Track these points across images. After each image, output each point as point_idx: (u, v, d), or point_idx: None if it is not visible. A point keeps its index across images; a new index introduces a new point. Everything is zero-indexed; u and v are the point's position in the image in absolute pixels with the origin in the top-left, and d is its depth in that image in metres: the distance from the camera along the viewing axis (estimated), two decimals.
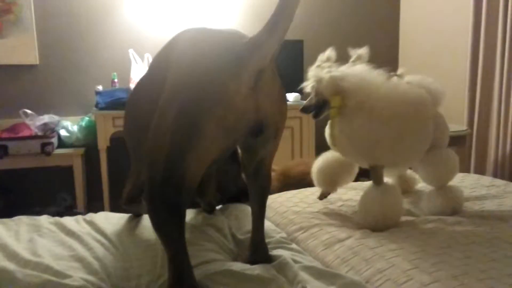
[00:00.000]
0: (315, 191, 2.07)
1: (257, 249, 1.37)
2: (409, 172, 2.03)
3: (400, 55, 4.22)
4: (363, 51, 1.67)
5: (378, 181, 1.59)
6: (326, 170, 1.79)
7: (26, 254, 1.31)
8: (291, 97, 3.52)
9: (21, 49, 3.22)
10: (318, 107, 1.61)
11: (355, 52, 1.67)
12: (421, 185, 2.03)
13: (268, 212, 1.87)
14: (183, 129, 1.04)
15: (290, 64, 3.73)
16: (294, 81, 3.69)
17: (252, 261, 1.34)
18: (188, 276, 1.11)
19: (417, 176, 1.97)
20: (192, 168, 1.06)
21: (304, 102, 1.68)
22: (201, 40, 1.14)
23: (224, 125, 1.06)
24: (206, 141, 1.05)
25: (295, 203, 1.89)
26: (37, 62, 3.28)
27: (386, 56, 4.21)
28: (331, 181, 1.80)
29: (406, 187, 2.01)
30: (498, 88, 3.14)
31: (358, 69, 1.59)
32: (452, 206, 1.71)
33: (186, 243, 1.11)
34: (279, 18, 1.12)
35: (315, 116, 1.63)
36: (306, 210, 1.79)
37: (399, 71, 1.75)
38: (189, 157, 1.05)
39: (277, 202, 1.93)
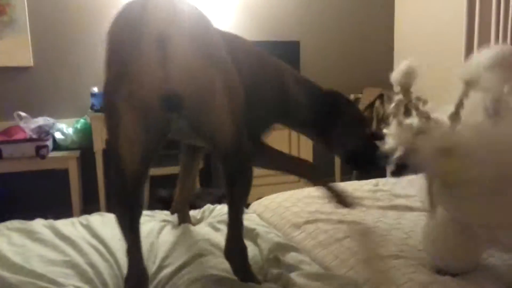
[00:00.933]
0: (312, 191, 2.05)
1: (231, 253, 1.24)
2: None
3: (395, 56, 4.21)
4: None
5: None
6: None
7: (18, 260, 1.29)
8: None
9: (15, 50, 3.19)
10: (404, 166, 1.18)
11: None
12: None
13: (266, 213, 1.85)
14: (108, 113, 1.05)
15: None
16: None
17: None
18: (138, 269, 1.13)
19: None
20: (127, 156, 1.04)
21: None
22: (121, 13, 1.10)
23: (134, 103, 1.01)
24: (125, 123, 1.02)
25: (293, 203, 1.88)
26: (31, 64, 3.26)
27: (382, 57, 4.20)
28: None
29: None
30: None
31: (470, 133, 1.14)
32: None
33: (139, 238, 1.13)
34: None
35: (397, 174, 1.20)
36: (304, 210, 1.78)
37: None
38: (121, 144, 1.03)
39: (275, 202, 1.92)
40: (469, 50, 3.26)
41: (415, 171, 1.19)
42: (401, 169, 1.18)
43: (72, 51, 3.36)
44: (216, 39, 1.13)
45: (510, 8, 2.97)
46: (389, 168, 1.20)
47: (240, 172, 1.19)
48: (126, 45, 1.01)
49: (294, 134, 3.43)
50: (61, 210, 2.77)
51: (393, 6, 4.24)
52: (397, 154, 1.16)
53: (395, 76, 1.20)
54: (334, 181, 3.73)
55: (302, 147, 3.48)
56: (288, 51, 3.73)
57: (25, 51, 3.22)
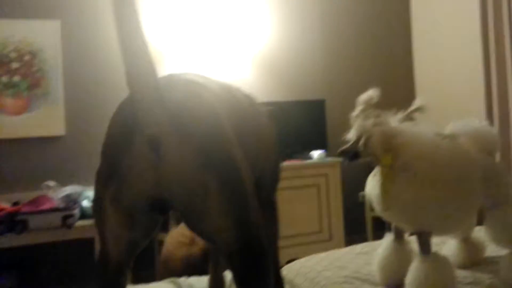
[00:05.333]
0: (348, 251, 1.95)
1: None
2: (476, 235, 1.75)
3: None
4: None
5: (425, 250, 1.42)
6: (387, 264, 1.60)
7: None
8: (316, 154, 3.45)
9: (48, 121, 3.29)
10: (357, 153, 1.49)
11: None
12: (493, 249, 1.76)
13: (298, 279, 1.74)
14: (95, 207, 1.02)
15: (313, 123, 3.71)
16: (317, 139, 3.66)
17: None
18: None
19: (484, 240, 1.71)
20: (112, 250, 1.01)
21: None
22: (120, 105, 1.07)
23: (120, 203, 0.96)
24: (109, 220, 0.99)
25: (325, 266, 1.76)
26: (63, 133, 3.34)
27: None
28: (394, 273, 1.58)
29: (474, 255, 1.72)
30: None
31: (410, 126, 1.50)
32: None
33: None
34: (139, 71, 0.92)
35: (351, 159, 1.49)
36: (337, 274, 1.66)
37: (449, 131, 1.61)
38: (106, 238, 1.01)
39: (306, 266, 1.81)
40: (488, 84, 3.17)
41: (366, 158, 1.48)
42: (354, 156, 1.48)
43: (104, 118, 3.42)
44: (218, 131, 1.00)
45: None
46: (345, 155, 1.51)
47: (252, 271, 0.99)
48: (119, 143, 0.97)
49: (323, 190, 3.34)
50: (87, 281, 2.70)
51: (411, 58, 4.25)
52: (353, 140, 1.49)
53: (361, 98, 1.54)
54: (366, 238, 3.57)
55: (332, 203, 3.38)
56: (315, 109, 3.73)
57: (58, 121, 3.31)
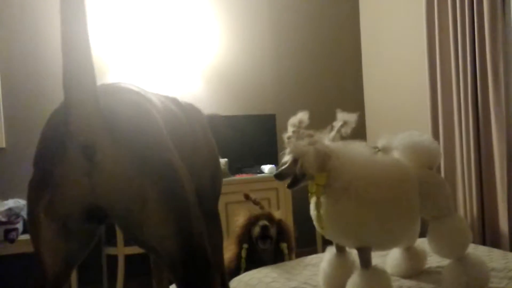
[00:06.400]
0: (296, 262, 1.99)
1: None
2: (418, 244, 1.84)
3: (367, 120, 4.31)
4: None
5: (365, 264, 1.48)
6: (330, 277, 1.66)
7: None
8: (266, 169, 3.50)
9: None
10: (296, 178, 1.50)
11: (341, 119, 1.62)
12: (436, 259, 1.86)
13: None
14: (29, 220, 1.00)
15: (264, 137, 3.76)
16: (268, 153, 3.72)
17: None
18: None
19: (426, 248, 1.80)
20: (48, 262, 0.98)
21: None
22: (53, 113, 1.07)
23: (54, 214, 0.94)
24: (44, 231, 0.96)
25: (274, 278, 1.79)
26: (4, 146, 3.20)
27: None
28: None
29: (417, 264, 1.81)
30: (458, 126, 3.13)
31: (344, 146, 1.53)
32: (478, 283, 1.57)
33: None
34: (78, 75, 0.91)
35: (291, 186, 1.51)
36: (286, 285, 1.69)
37: (381, 145, 1.67)
38: (42, 251, 0.98)
39: (255, 278, 1.83)
40: (434, 104, 3.33)
41: (303, 180, 1.47)
42: (295, 182, 1.47)
43: None
44: (156, 138, 0.99)
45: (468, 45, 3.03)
46: (285, 182, 1.50)
47: (196, 283, 0.97)
48: (51, 151, 0.95)
49: (273, 204, 3.38)
50: None
51: (361, 75, 4.41)
52: (288, 163, 1.46)
53: (291, 121, 1.61)
54: (316, 250, 3.63)
55: (282, 216, 3.42)
56: (265, 123, 3.78)
57: None
